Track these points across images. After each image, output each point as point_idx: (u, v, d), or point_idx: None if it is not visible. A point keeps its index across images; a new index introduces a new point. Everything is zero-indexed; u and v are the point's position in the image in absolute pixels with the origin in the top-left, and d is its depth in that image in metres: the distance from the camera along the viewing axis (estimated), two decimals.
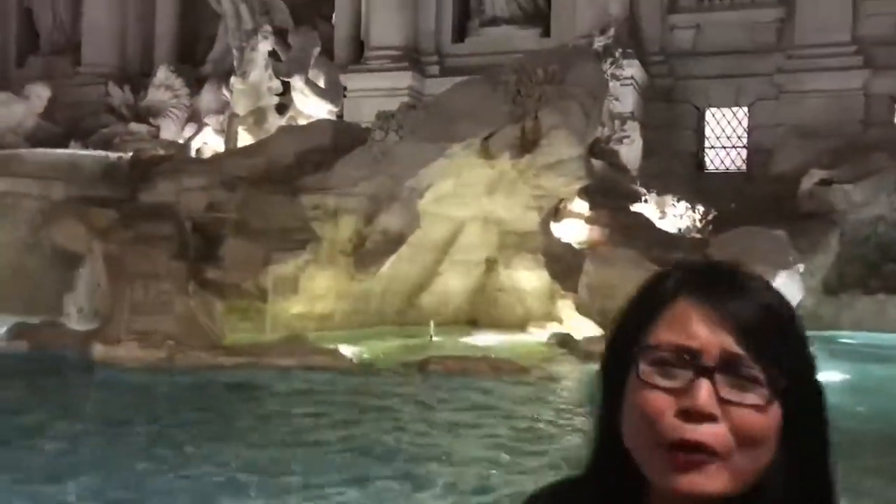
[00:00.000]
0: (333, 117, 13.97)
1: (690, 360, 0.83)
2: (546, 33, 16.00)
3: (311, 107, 13.75)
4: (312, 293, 10.06)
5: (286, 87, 14.57)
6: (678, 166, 15.18)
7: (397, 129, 10.62)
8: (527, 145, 10.11)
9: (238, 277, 9.35)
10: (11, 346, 8.58)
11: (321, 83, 13.93)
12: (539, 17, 16.26)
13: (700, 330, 0.84)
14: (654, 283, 0.91)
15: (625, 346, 0.88)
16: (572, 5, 15.35)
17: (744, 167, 15.75)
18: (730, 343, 0.83)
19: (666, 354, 0.84)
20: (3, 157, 14.00)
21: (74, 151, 13.99)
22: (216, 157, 12.12)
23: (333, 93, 14.09)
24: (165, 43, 18.73)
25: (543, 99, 10.00)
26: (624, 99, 13.91)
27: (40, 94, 16.41)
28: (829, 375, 6.86)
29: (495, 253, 11.42)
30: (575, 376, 8.40)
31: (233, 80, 14.34)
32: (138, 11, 18.89)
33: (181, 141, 15.52)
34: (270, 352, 8.66)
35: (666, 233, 11.81)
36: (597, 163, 12.16)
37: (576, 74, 10.37)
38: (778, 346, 0.84)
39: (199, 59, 18.56)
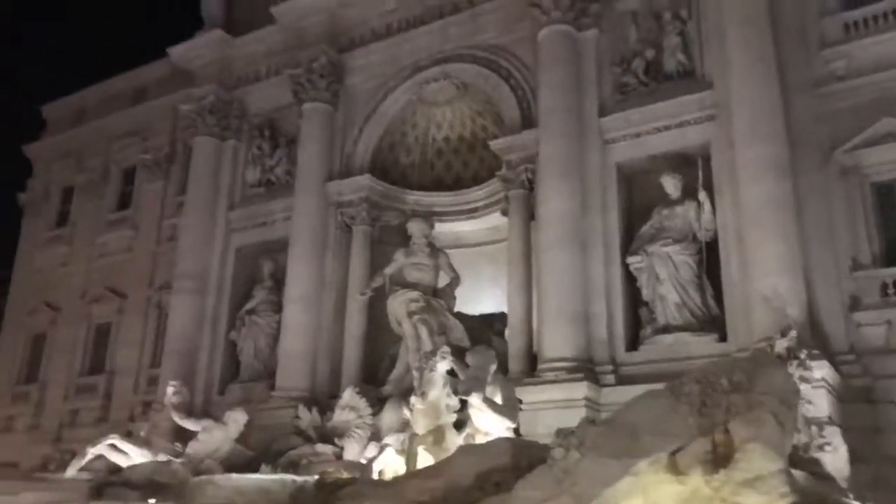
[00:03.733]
0: (511, 433, 13.91)
1: None
2: (722, 338, 15.74)
3: (488, 424, 13.81)
4: None
5: (463, 404, 14.87)
6: (892, 473, 13.65)
7: (578, 446, 10.33)
8: (719, 460, 9.47)
9: None
10: None
11: (498, 399, 14.11)
12: (713, 323, 16.13)
13: None
14: None
15: None
16: (747, 309, 15.18)
17: None
18: None
19: None
20: (205, 481, 14.77)
21: (264, 476, 14.54)
22: (397, 480, 12.18)
23: (511, 409, 14.17)
24: (352, 365, 19.96)
25: (732, 410, 9.52)
26: (818, 402, 13.02)
27: (238, 419, 17.62)
28: None
29: None
30: None
31: (412, 399, 14.83)
32: (329, 337, 20.48)
33: (363, 461, 15.84)
34: None
35: None
36: (799, 474, 11.13)
37: (764, 382, 9.91)
38: None
39: (380, 380, 19.53)
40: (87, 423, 26.21)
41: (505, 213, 19.52)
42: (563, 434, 10.67)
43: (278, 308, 21.63)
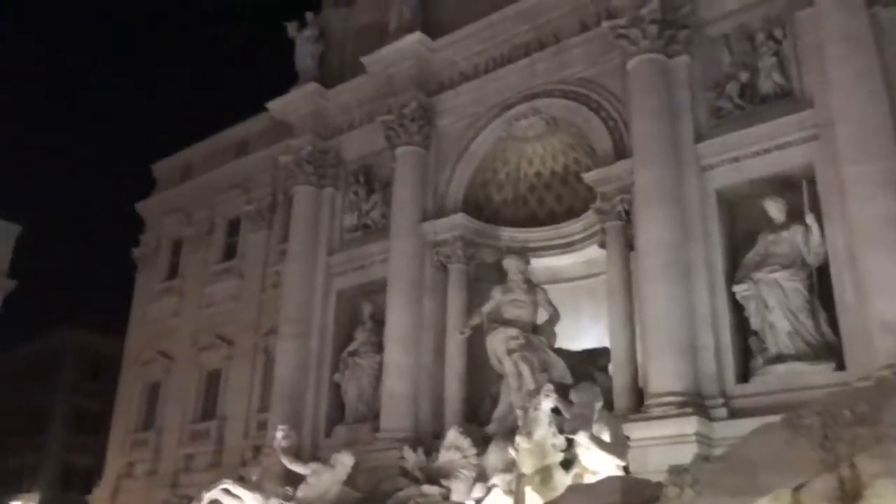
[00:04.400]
0: (620, 471, 13.57)
1: None
2: (840, 367, 14.97)
3: (597, 462, 13.53)
4: None
5: (570, 443, 14.60)
6: None
7: (693, 484, 10.01)
8: (847, 497, 8.98)
9: None
10: None
11: (606, 437, 13.82)
12: (829, 351, 15.37)
13: None
14: None
15: None
16: (865, 334, 14.41)
17: None
18: None
19: None
20: None
21: None
22: None
23: (619, 446, 13.84)
24: (454, 405, 19.93)
25: (858, 443, 9.05)
26: None
27: (345, 462, 17.84)
28: None
29: None
30: None
31: (517, 439, 14.68)
32: (429, 377, 20.54)
33: (471, 502, 15.73)
34: None
35: None
36: None
37: (891, 413, 9.38)
38: None
39: (483, 419, 19.42)
40: (201, 469, 27.04)
41: (602, 245, 19.26)
42: (676, 472, 10.38)
43: (379, 349, 21.89)
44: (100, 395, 44.48)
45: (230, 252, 30.75)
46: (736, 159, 17.24)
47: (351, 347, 22.79)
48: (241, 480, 19.66)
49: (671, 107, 18.04)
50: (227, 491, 18.53)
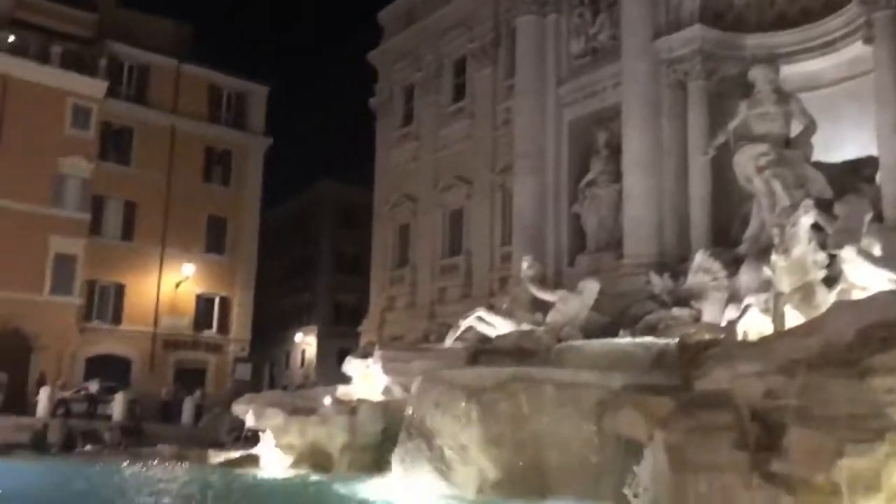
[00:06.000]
0: (893, 286, 12.51)
1: None
2: None
3: (865, 278, 12.56)
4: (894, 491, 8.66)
5: (832, 259, 13.67)
6: None
7: None
8: None
9: (807, 471, 8.52)
10: None
11: (875, 251, 12.72)
12: None
13: None
14: None
15: None
16: None
17: None
18: None
19: None
20: (565, 347, 15.54)
21: (625, 340, 14.86)
22: (767, 340, 11.65)
23: (892, 259, 12.70)
24: (699, 229, 19.31)
25: None
26: None
27: (592, 288, 18.10)
28: None
29: None
30: None
31: (773, 257, 13.95)
32: (672, 201, 19.95)
33: (723, 323, 15.43)
34: None
35: None
36: None
37: None
38: None
39: (733, 241, 18.67)
40: (454, 300, 28.91)
41: (868, 41, 17.00)
42: None
43: (617, 177, 21.50)
44: (356, 240, 48.44)
45: (460, 93, 31.16)
46: None
47: (587, 178, 22.59)
48: (493, 309, 20.73)
49: None
50: (480, 318, 19.63)
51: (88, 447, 25.44)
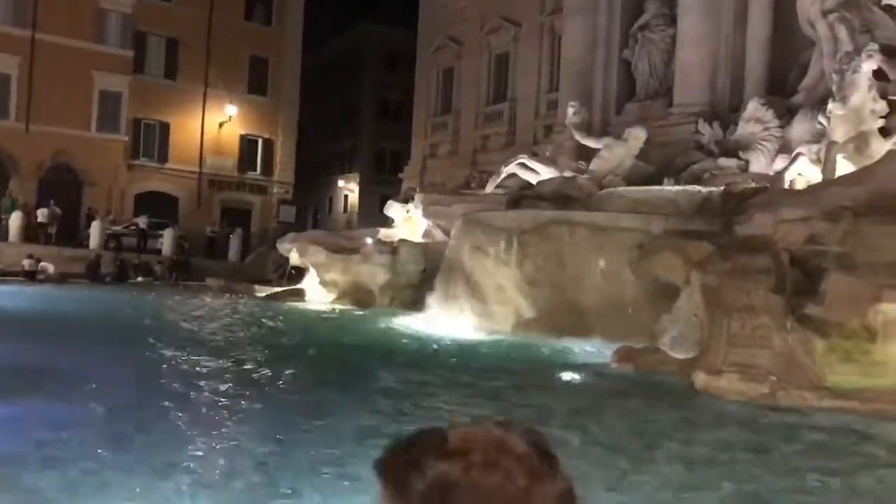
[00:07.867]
0: None
1: None
2: None
3: None
4: None
5: (891, 108, 13.11)
6: None
7: None
8: None
9: (841, 315, 8.59)
10: (620, 368, 9.33)
11: None
12: None
13: None
14: None
15: None
16: None
17: None
18: None
19: None
20: (606, 194, 15.46)
21: (668, 188, 14.70)
22: (815, 188, 11.42)
23: None
24: (755, 76, 18.55)
25: None
26: None
27: (638, 136, 17.74)
28: None
29: None
30: None
31: (830, 105, 13.43)
32: (728, 49, 19.11)
33: (771, 173, 15.12)
34: (880, 398, 7.75)
35: None
36: None
37: None
38: None
39: (789, 90, 17.94)
40: (496, 148, 28.65)
41: None
42: None
43: (672, 21, 20.53)
44: (399, 86, 47.63)
45: None
46: None
47: (640, 21, 21.59)
48: (536, 156, 20.53)
49: None
50: (523, 165, 19.50)
51: (140, 278, 26.57)
